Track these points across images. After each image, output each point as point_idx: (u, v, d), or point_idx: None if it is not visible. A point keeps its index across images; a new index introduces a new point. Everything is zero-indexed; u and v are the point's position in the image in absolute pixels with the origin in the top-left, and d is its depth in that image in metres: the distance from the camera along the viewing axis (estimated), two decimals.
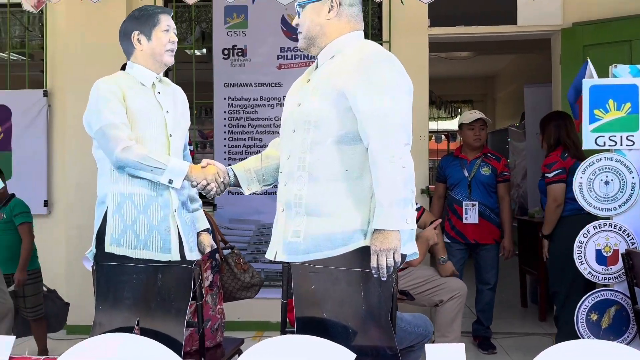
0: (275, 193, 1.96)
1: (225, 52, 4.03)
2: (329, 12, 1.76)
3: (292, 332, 1.87)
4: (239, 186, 1.94)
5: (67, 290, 4.06)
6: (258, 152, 4.01)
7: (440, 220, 2.92)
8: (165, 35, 1.99)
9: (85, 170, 4.02)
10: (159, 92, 2.02)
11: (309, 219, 1.73)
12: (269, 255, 1.83)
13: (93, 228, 4.09)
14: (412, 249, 1.76)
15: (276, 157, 1.91)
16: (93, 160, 4.10)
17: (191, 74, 4.14)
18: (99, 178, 2.01)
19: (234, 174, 1.94)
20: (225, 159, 4.03)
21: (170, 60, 2.01)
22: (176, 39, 2.02)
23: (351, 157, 1.71)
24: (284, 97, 3.92)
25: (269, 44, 3.99)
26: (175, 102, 2.07)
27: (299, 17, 1.81)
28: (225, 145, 4.09)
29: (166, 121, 2.00)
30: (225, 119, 4.07)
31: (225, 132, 4.08)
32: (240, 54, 4.01)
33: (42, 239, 4.14)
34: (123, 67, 2.63)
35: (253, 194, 2.01)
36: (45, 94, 4.11)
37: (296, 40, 3.89)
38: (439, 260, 3.04)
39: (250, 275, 2.41)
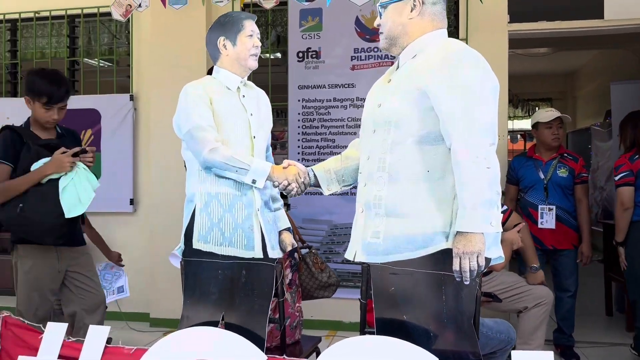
0: (348, 194, 1.99)
1: (300, 54, 4.09)
2: (411, 11, 1.75)
3: (372, 333, 1.88)
4: (319, 186, 1.98)
5: (150, 285, 4.28)
6: (331, 153, 4.09)
7: (524, 223, 2.82)
8: (249, 40, 2.05)
9: (168, 171, 4.23)
10: (244, 96, 2.09)
11: (388, 220, 1.73)
12: (349, 255, 1.85)
13: (175, 226, 4.28)
14: (497, 253, 1.72)
15: (356, 158, 1.92)
16: (176, 160, 4.31)
17: (266, 77, 4.24)
18: (187, 178, 2.10)
19: (314, 175, 1.98)
20: (298, 160, 4.09)
21: (254, 64, 2.08)
22: (260, 44, 2.08)
23: (433, 157, 1.69)
24: (357, 98, 4.01)
25: (343, 46, 4.01)
26: (259, 105, 2.14)
27: (380, 18, 1.81)
28: (298, 147, 4.16)
29: (250, 123, 2.06)
30: (299, 120, 4.14)
31: (298, 134, 4.15)
32: (314, 56, 4.06)
33: (128, 235, 4.40)
34: (210, 72, 2.74)
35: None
36: (132, 98, 4.35)
37: (370, 41, 3.97)
38: (530, 268, 2.94)
39: (328, 275, 2.44)
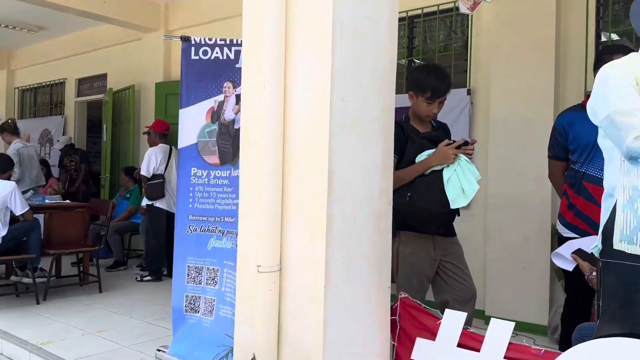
0: None
1: None
2: None
3: None
4: None
5: (484, 283, 4.20)
6: None
7: None
8: None
9: (505, 166, 4.09)
10: None
11: None
12: None
13: (512, 223, 4.10)
14: None
15: None
16: (514, 156, 4.12)
17: None
18: (605, 169, 1.88)
19: None
20: None
21: None
22: None
23: None
24: None
25: None
26: None
27: None
28: None
29: None
30: None
31: None
32: None
33: (461, 231, 4.39)
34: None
35: None
36: (468, 92, 4.33)
37: None
38: None
39: None
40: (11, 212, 4.46)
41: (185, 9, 6.50)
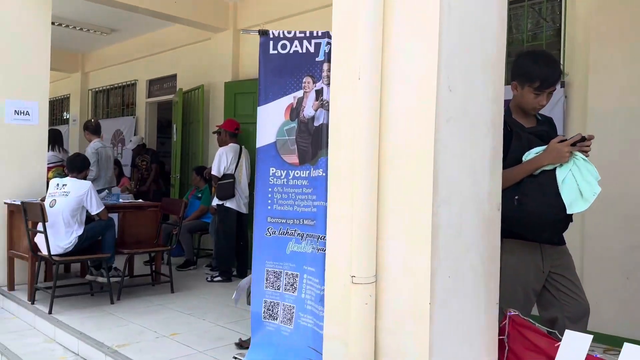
0: None
1: None
2: None
3: None
4: None
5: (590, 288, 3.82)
6: None
7: None
8: None
9: (606, 166, 3.67)
10: None
11: None
12: None
13: (614, 227, 3.68)
14: None
15: None
16: (617, 152, 3.71)
17: None
18: None
19: None
20: None
21: None
22: None
23: None
24: None
25: None
26: None
27: None
28: None
29: None
30: None
31: None
32: None
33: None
34: None
35: None
36: (562, 85, 3.95)
37: None
38: None
39: None
40: (87, 211, 4.50)
41: (254, 8, 6.42)
